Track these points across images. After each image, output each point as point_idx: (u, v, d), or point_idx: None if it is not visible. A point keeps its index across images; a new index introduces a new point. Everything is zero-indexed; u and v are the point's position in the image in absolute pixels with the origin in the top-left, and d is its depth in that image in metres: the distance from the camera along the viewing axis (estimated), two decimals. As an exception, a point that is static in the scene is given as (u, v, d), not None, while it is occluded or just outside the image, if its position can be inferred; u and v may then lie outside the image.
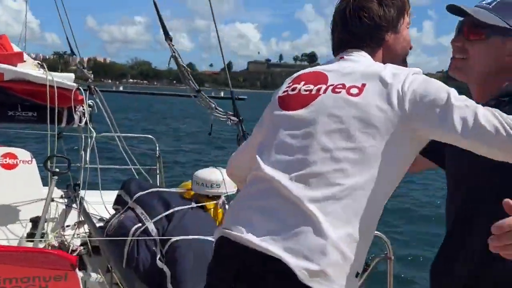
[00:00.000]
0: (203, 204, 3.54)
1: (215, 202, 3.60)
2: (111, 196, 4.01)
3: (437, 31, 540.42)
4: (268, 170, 1.39)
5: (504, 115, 1.23)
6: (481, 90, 1.51)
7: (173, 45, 2.76)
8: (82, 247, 3.48)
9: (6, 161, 4.57)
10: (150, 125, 30.46)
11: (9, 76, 3.30)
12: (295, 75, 1.60)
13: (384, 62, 1.50)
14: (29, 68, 3.46)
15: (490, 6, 1.47)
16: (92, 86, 4.33)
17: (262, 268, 1.26)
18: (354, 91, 1.38)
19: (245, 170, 1.55)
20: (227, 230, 1.36)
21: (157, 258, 3.06)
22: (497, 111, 1.25)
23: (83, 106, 3.82)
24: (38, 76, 3.41)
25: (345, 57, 1.53)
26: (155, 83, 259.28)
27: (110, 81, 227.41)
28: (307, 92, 1.47)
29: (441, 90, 1.32)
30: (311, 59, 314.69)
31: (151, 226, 3.19)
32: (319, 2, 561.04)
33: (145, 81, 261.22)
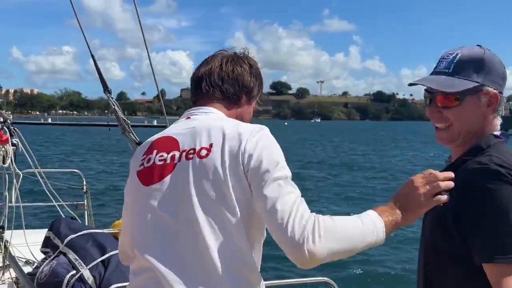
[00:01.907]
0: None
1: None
2: (37, 235, 3.82)
3: (363, 55, 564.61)
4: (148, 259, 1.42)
5: (324, 225, 1.30)
6: (459, 150, 1.53)
7: (112, 98, 2.71)
8: (9, 295, 3.27)
9: None
10: (80, 158, 29.45)
11: None
12: (147, 144, 1.59)
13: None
14: None
15: (450, 71, 1.49)
16: (12, 127, 4.15)
17: None
18: (203, 153, 1.43)
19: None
20: None
21: None
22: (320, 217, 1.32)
23: (5, 146, 3.66)
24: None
25: (191, 117, 1.58)
26: (86, 113, 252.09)
27: (38, 112, 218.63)
28: (162, 162, 1.48)
29: (274, 164, 1.39)
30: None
31: (86, 273, 3.04)
32: (248, 30, 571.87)
33: (75, 112, 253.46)
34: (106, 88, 2.71)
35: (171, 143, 1.50)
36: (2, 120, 3.65)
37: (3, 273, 3.54)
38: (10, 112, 3.81)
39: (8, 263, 3.55)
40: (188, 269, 1.37)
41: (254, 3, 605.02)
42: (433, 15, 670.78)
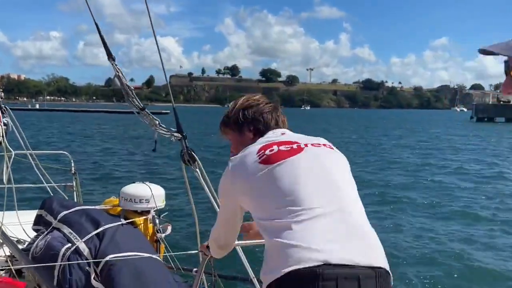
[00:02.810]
0: (133, 220, 3.47)
1: (144, 217, 3.54)
2: (27, 216, 3.82)
3: (353, 43, 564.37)
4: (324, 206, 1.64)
5: None
6: None
7: (116, 65, 2.71)
8: (2, 272, 3.27)
9: None
10: (66, 142, 29.29)
11: None
12: (260, 146, 1.84)
13: None
14: None
15: None
16: (3, 106, 4.12)
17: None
18: (326, 145, 1.89)
19: (234, 240, 2.10)
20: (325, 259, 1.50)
21: (92, 277, 2.94)
22: None
23: (-3, 125, 3.64)
24: None
25: (286, 133, 1.97)
26: (74, 100, 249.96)
27: (25, 98, 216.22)
28: (289, 148, 1.80)
29: None
30: (233, 72, 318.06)
31: (82, 246, 3.08)
32: (238, 16, 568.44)
33: (62, 98, 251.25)
34: (110, 55, 2.72)
35: (288, 141, 1.85)
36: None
37: (-5, 252, 3.53)
38: (1, 90, 3.78)
39: (0, 241, 3.53)
40: (353, 206, 1.71)
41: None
42: (424, 5, 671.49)
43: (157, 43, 2.83)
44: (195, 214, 3.04)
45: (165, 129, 2.85)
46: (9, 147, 3.62)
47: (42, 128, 42.10)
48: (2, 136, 3.61)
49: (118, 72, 2.68)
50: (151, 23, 2.79)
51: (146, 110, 2.78)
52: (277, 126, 2.01)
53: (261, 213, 1.69)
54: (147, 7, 2.86)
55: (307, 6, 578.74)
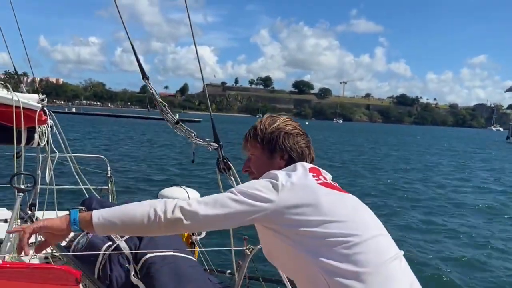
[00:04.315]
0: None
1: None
2: None
3: (388, 58, 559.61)
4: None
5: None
6: None
7: (150, 84, 2.87)
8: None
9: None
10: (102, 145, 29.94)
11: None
12: (308, 167, 1.86)
13: None
14: (-8, 88, 3.45)
15: None
16: (47, 109, 4.34)
17: None
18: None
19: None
20: None
21: (131, 274, 3.08)
22: None
23: (41, 127, 3.83)
24: (4, 97, 3.41)
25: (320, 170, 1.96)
26: (109, 105, 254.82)
27: (62, 102, 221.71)
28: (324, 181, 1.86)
29: None
30: (266, 83, 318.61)
31: (122, 244, 3.20)
32: (273, 28, 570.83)
33: (98, 103, 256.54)
34: (144, 76, 2.88)
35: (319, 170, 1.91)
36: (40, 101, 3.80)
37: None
38: (45, 96, 4.00)
39: (40, 238, 3.71)
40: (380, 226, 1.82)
41: (281, 2, 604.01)
42: (463, 21, 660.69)
43: (197, 54, 2.95)
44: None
45: (201, 140, 2.97)
46: (54, 149, 3.81)
47: (78, 131, 43.05)
48: (47, 138, 3.81)
49: (152, 90, 2.84)
50: (193, 35, 2.91)
51: (181, 123, 2.91)
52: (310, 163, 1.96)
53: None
54: (189, 18, 2.99)
55: (343, 19, 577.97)
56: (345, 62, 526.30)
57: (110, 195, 5.10)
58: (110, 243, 3.24)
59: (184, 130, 2.96)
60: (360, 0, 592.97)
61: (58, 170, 4.93)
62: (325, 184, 1.80)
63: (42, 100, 3.73)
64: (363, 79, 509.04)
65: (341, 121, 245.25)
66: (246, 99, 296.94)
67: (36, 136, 3.77)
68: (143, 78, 2.90)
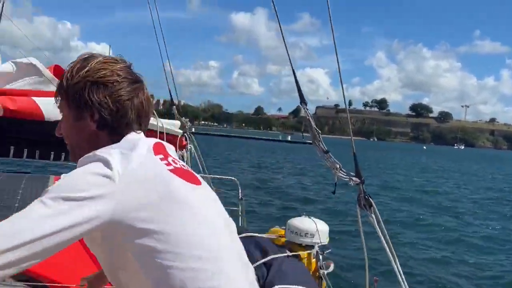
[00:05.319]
0: (298, 253, 3.58)
1: (308, 252, 3.63)
2: None
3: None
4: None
5: None
6: None
7: (307, 109, 2.90)
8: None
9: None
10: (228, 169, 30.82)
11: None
12: (152, 142, 1.37)
13: None
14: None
15: None
16: (188, 134, 4.56)
17: None
18: None
19: None
20: None
21: None
22: None
23: (182, 151, 4.04)
24: (150, 123, 3.65)
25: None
26: (225, 125, 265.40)
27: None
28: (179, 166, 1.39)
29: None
30: (381, 105, 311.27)
31: None
32: (391, 49, 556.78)
33: (215, 123, 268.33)
34: (302, 100, 2.92)
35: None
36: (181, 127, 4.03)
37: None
38: (188, 120, 4.21)
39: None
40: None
41: (399, 23, 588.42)
42: None
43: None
44: (366, 259, 3.03)
45: (344, 173, 2.91)
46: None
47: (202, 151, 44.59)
48: (187, 161, 4.00)
49: (308, 116, 2.85)
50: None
51: (330, 153, 2.88)
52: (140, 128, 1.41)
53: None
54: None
55: (466, 40, 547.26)
56: (467, 85, 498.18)
57: (240, 217, 5.20)
58: None
59: (331, 161, 2.92)
60: (484, 20, 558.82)
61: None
62: (177, 171, 1.31)
63: (184, 126, 3.93)
64: (487, 102, 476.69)
65: (462, 147, 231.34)
66: (360, 122, 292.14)
67: (176, 160, 3.97)
68: (301, 103, 2.93)
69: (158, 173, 1.26)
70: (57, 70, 3.39)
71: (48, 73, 3.26)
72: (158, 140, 1.41)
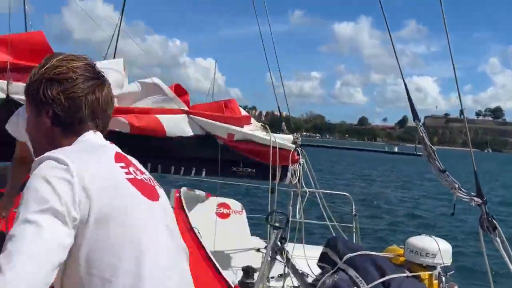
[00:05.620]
0: (418, 274, 3.40)
1: (430, 272, 3.43)
2: (313, 251, 4.07)
3: None
4: None
5: None
6: None
7: (421, 126, 2.79)
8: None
9: (221, 210, 5.07)
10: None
11: (238, 136, 3.62)
12: (113, 151, 1.36)
13: None
14: (255, 130, 3.77)
15: None
16: (300, 149, 4.53)
17: None
18: None
19: None
20: None
21: None
22: None
23: (294, 165, 4.04)
24: (263, 138, 3.70)
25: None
26: (327, 136, 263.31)
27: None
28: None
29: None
30: (496, 114, 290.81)
31: None
32: (506, 54, 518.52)
33: (317, 135, 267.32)
34: (416, 117, 2.81)
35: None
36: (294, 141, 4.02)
37: (283, 281, 3.87)
38: (299, 135, 4.20)
39: (288, 271, 3.86)
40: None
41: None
42: None
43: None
44: (491, 282, 2.80)
45: (464, 193, 2.72)
46: (304, 187, 3.98)
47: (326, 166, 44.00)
48: (299, 176, 3.98)
49: (422, 133, 2.72)
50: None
51: (447, 173, 2.71)
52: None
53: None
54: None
55: None
56: None
57: (354, 234, 5.06)
58: None
59: (449, 180, 2.74)
60: None
61: (306, 203, 5.17)
62: (136, 182, 1.28)
63: (295, 142, 3.93)
64: None
65: None
66: (473, 132, 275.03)
67: (289, 174, 3.98)
68: (414, 120, 2.83)
69: (118, 184, 1.24)
70: (177, 89, 3.56)
71: (170, 92, 3.43)
72: (120, 151, 1.39)
